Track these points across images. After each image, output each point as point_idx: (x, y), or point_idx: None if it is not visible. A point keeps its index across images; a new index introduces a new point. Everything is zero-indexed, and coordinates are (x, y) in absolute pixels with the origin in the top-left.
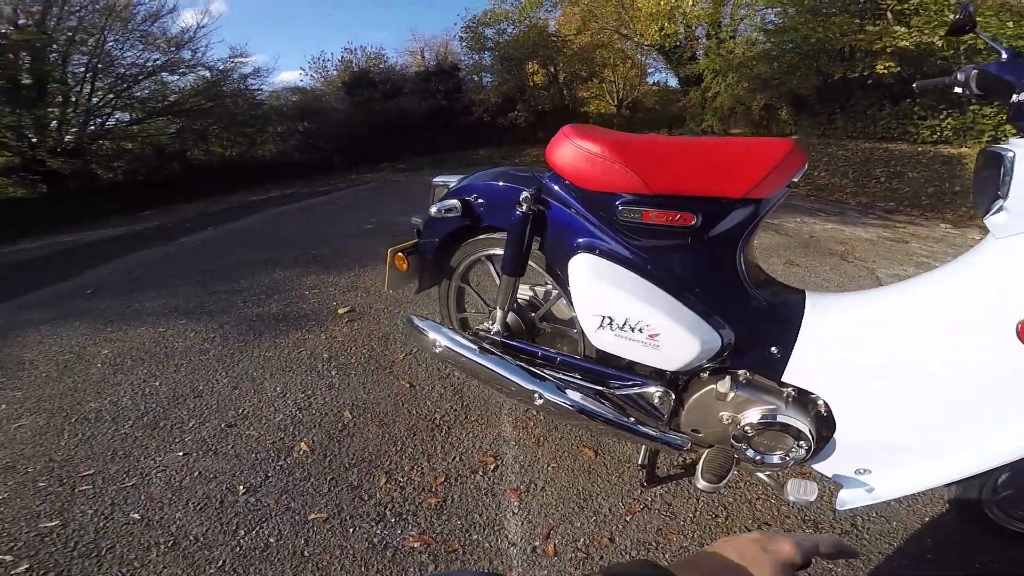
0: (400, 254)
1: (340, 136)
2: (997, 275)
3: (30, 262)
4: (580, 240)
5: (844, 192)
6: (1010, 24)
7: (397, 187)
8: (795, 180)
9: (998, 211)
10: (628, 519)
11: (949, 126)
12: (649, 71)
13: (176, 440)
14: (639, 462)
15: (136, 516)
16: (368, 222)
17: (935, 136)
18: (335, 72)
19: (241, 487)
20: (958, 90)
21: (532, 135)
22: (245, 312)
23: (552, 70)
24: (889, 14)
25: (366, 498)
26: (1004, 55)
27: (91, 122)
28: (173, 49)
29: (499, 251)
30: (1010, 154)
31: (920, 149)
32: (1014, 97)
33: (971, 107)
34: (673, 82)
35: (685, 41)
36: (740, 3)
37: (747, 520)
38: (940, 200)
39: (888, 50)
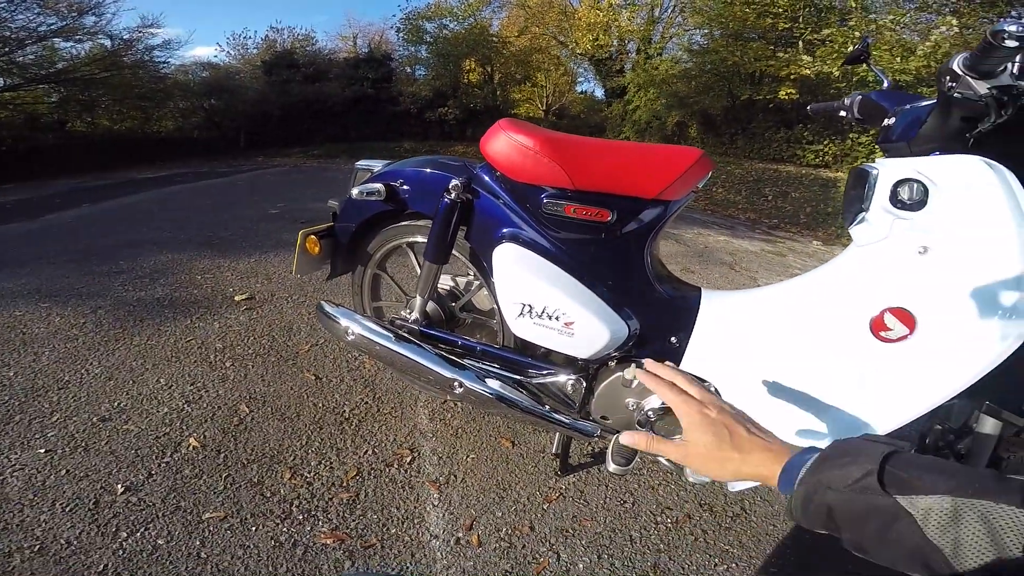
0: (312, 237)
1: (249, 116)
2: (856, 278)
3: None
4: (506, 230)
5: (736, 208)
6: (897, 59)
7: (309, 172)
8: (699, 186)
9: (860, 222)
10: (546, 507)
11: (831, 152)
12: (579, 80)
13: (36, 436)
14: (553, 451)
15: None
16: (274, 207)
17: (818, 160)
18: (255, 50)
19: (119, 486)
20: (843, 113)
21: (461, 132)
22: (124, 296)
23: (488, 70)
24: (801, 43)
25: (268, 495)
26: (885, 83)
27: None
28: (74, 15)
29: (421, 238)
30: (875, 171)
31: (804, 171)
32: (885, 121)
33: (850, 135)
34: (600, 92)
35: (616, 54)
36: (672, 22)
37: (651, 505)
38: (815, 219)
39: (792, 77)
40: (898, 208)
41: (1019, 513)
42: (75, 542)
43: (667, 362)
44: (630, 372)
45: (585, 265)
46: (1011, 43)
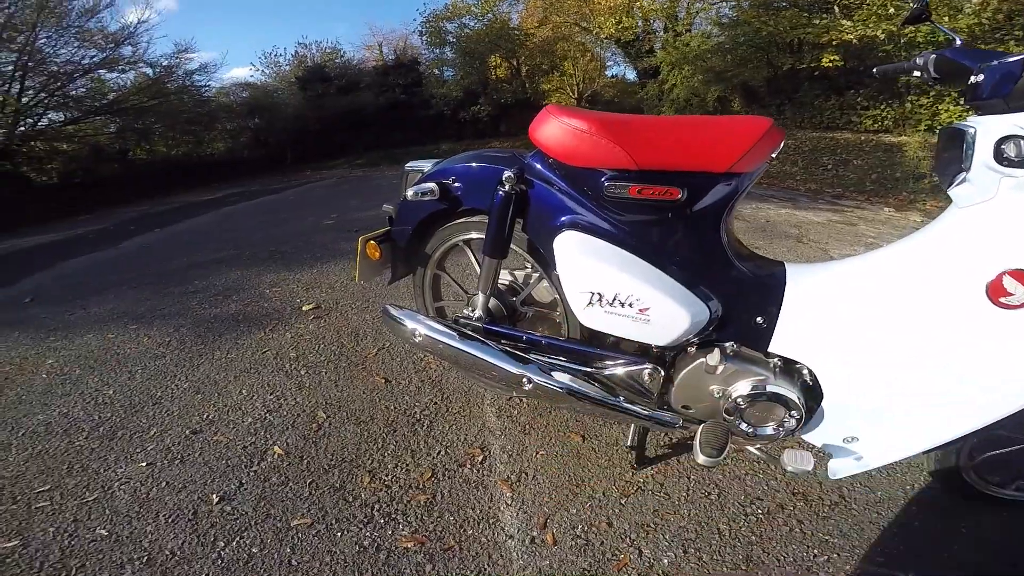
0: (372, 242)
1: (292, 132)
2: (963, 241)
3: None
4: (565, 218)
5: (794, 179)
6: (946, 19)
7: (355, 182)
8: (773, 156)
9: (961, 183)
10: (623, 502)
11: (890, 116)
12: (608, 64)
13: (137, 450)
14: (627, 444)
15: (103, 532)
16: (328, 218)
17: (877, 125)
18: (288, 67)
19: (215, 496)
20: (916, 73)
21: (494, 128)
22: (202, 313)
23: (515, 63)
24: (836, 8)
25: (350, 500)
26: (957, 42)
27: (21, 123)
28: (111, 46)
29: (477, 235)
30: (971, 130)
31: (863, 138)
32: (971, 79)
33: (909, 97)
34: (631, 75)
35: (643, 35)
36: None
37: (739, 496)
38: (883, 186)
39: (834, 43)
40: (1005, 166)
41: None
42: (178, 552)
43: None
44: (714, 357)
45: (656, 247)
46: None
